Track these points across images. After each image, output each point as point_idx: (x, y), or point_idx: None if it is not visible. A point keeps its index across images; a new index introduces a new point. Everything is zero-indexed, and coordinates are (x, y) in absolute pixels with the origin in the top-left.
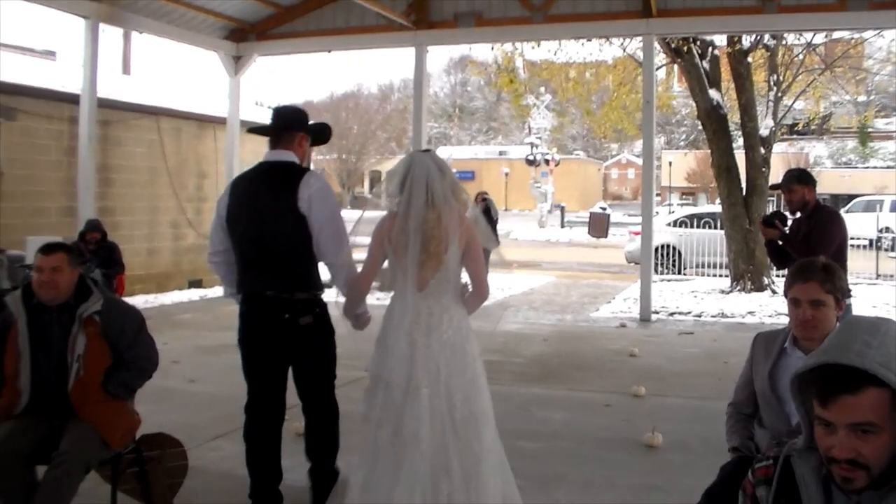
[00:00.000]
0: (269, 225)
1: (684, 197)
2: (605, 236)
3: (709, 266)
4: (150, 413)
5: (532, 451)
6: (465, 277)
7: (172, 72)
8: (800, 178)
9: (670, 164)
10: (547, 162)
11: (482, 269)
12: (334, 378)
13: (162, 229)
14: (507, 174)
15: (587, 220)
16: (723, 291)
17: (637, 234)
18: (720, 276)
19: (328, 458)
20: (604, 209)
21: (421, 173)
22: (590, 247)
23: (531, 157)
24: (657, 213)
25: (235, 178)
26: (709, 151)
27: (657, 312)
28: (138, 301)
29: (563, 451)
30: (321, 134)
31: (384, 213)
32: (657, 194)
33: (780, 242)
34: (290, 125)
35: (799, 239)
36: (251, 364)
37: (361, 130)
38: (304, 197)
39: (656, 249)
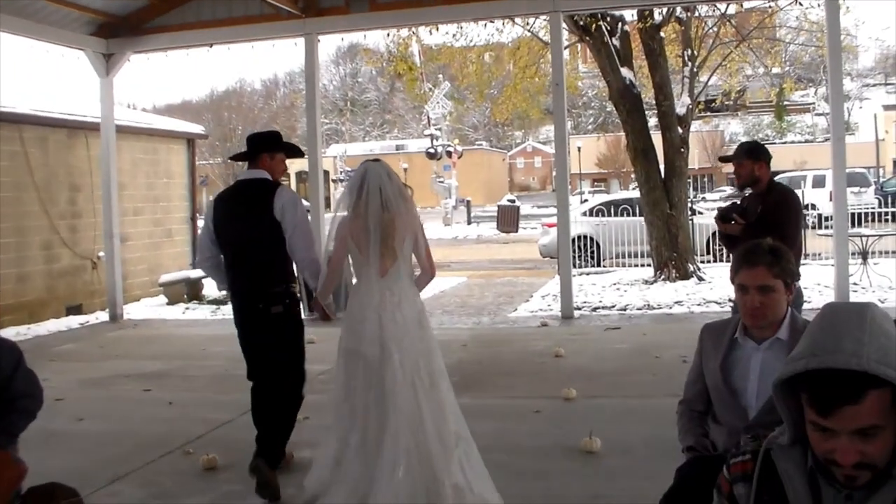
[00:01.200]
0: (249, 230)
1: (596, 184)
2: (516, 230)
3: (630, 256)
4: (37, 460)
5: None
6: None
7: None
8: (750, 151)
9: (579, 149)
10: (449, 154)
11: (429, 254)
12: (303, 357)
13: (32, 251)
14: (405, 170)
15: (495, 214)
16: (647, 282)
17: (551, 226)
18: (643, 265)
19: (282, 435)
20: (512, 201)
21: (375, 182)
22: (500, 242)
23: (432, 150)
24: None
25: (218, 194)
26: (621, 134)
27: (579, 308)
28: (9, 333)
29: (495, 463)
30: (291, 150)
31: (343, 214)
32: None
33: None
34: (257, 147)
35: (754, 221)
36: (243, 343)
37: (246, 131)
38: (278, 207)
39: (572, 241)
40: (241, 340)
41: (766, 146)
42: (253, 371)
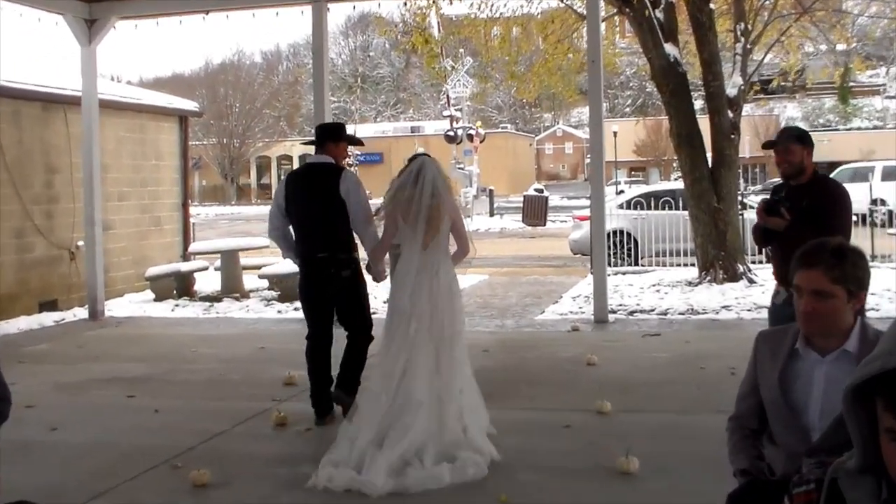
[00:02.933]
0: (319, 206)
1: (634, 173)
2: (544, 224)
3: (671, 254)
4: (5, 475)
5: (484, 486)
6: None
7: (6, 41)
8: (800, 137)
9: (615, 134)
10: (470, 138)
11: (465, 233)
12: (370, 311)
13: (2, 240)
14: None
15: (521, 205)
16: (690, 283)
17: (583, 219)
18: (686, 265)
19: (357, 370)
20: (540, 191)
21: (430, 175)
22: (526, 237)
23: (451, 133)
24: None
25: (289, 174)
26: (663, 118)
27: (614, 312)
28: None
29: (521, 484)
30: (353, 141)
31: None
32: None
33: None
34: (324, 138)
35: (798, 215)
36: (310, 306)
37: (244, 109)
38: (344, 188)
39: (607, 237)
40: (309, 303)
41: (829, 132)
42: (318, 330)
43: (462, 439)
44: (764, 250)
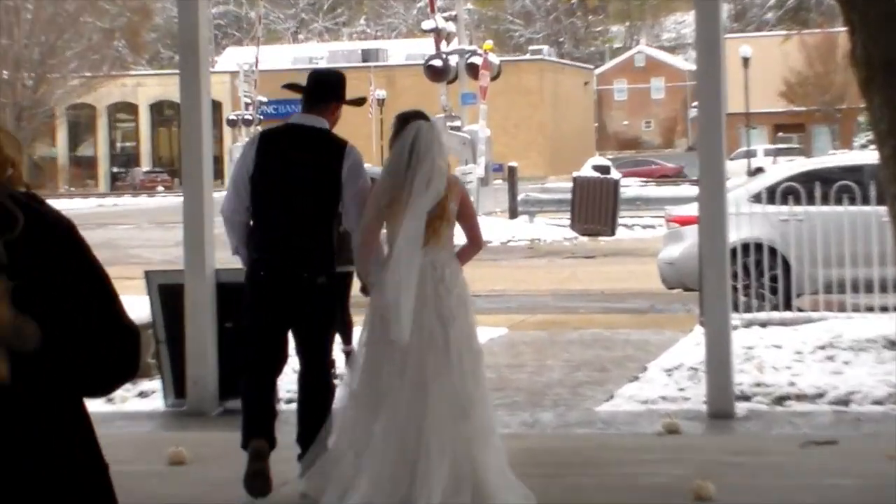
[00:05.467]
0: (304, 186)
1: (782, 135)
2: (611, 231)
3: (856, 288)
4: None
5: None
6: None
7: None
8: None
9: (746, 62)
10: (473, 71)
11: (476, 221)
12: (332, 339)
13: None
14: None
15: (569, 196)
16: (894, 344)
17: (684, 222)
18: (886, 308)
19: (322, 421)
20: (604, 170)
21: (426, 149)
22: (578, 256)
23: (437, 63)
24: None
25: (264, 133)
26: (837, 30)
27: (747, 398)
28: None
29: None
30: (355, 102)
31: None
32: None
33: None
34: (328, 95)
35: None
36: (262, 327)
37: (45, 20)
38: (346, 168)
39: (732, 254)
40: (260, 323)
41: None
42: (266, 359)
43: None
44: None
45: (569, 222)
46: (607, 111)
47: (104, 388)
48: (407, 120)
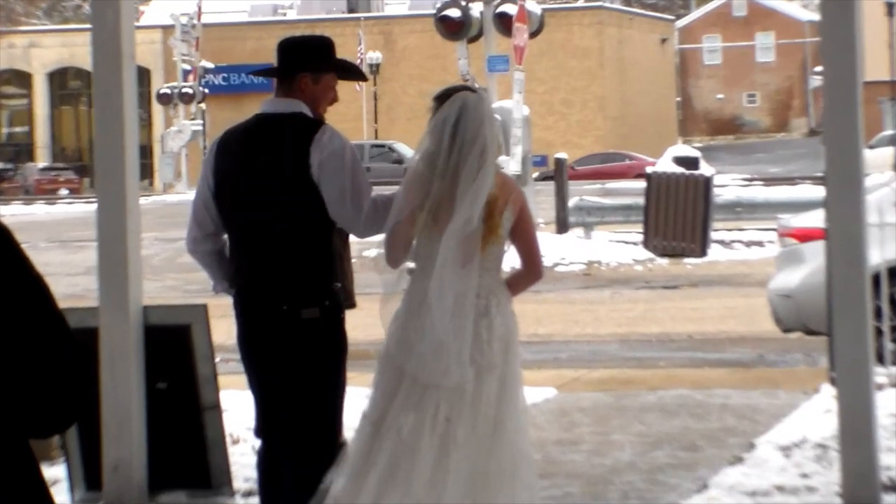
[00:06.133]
0: (270, 194)
1: None
2: (702, 249)
3: None
4: None
5: None
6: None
7: None
8: None
9: (890, 9)
10: (505, 23)
11: (536, 243)
12: (341, 400)
13: None
14: (374, 67)
15: (642, 199)
16: None
17: (805, 237)
18: None
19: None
20: (690, 163)
21: (473, 127)
22: (655, 286)
23: (454, 13)
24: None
25: (224, 132)
26: None
27: None
28: None
29: None
30: (347, 71)
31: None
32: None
33: None
34: (292, 63)
35: None
36: (250, 369)
37: None
38: (315, 162)
39: (873, 283)
40: (248, 370)
41: None
42: (267, 422)
43: None
44: None
45: (641, 238)
46: (694, 80)
47: (48, 426)
48: (448, 95)
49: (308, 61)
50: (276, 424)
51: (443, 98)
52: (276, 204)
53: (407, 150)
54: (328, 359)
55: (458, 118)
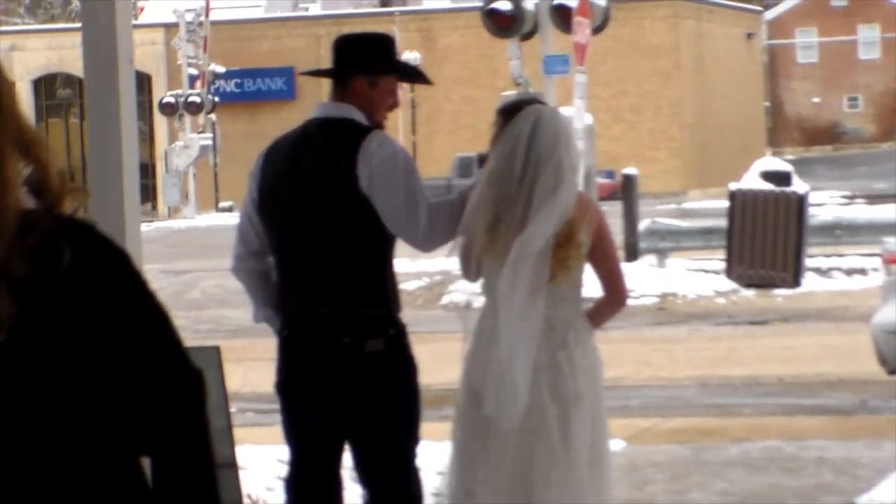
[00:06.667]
0: (319, 211)
1: None
2: (795, 279)
3: None
4: None
5: None
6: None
7: None
8: None
9: None
10: (564, 16)
11: (618, 268)
12: (416, 443)
13: None
14: (416, 69)
15: (724, 221)
16: None
17: None
18: None
19: None
20: (782, 179)
21: (549, 141)
22: (740, 321)
23: (505, 6)
24: None
25: (272, 141)
26: None
27: None
28: None
29: None
30: (407, 73)
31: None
32: None
33: None
34: (346, 64)
35: None
36: (295, 416)
37: None
38: (364, 173)
39: None
40: (294, 412)
41: None
42: (309, 476)
43: None
44: None
45: (723, 266)
46: (786, 81)
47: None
48: (517, 108)
49: (364, 62)
50: (321, 481)
51: (511, 111)
52: (326, 218)
53: None
54: (398, 400)
55: (532, 134)
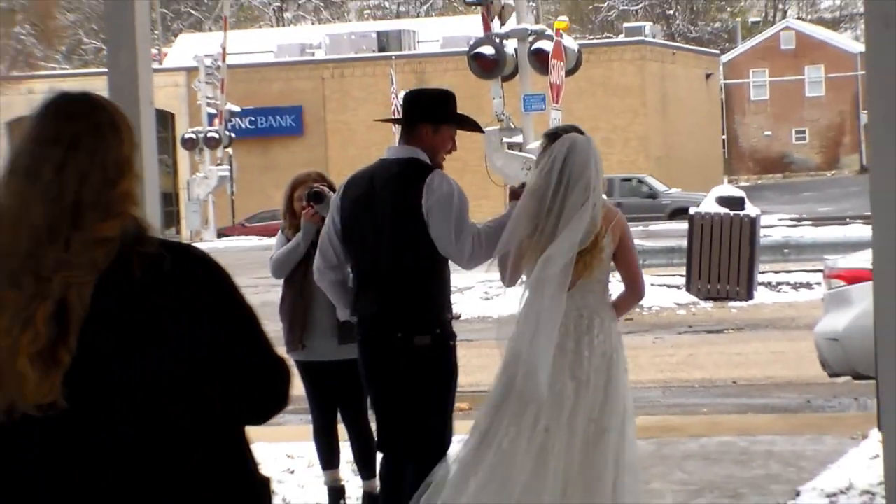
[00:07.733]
0: (386, 234)
1: None
2: (748, 293)
3: None
4: None
5: None
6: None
7: None
8: None
9: None
10: (542, 60)
11: (637, 265)
12: (448, 422)
13: None
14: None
15: (684, 240)
16: None
17: (853, 279)
18: None
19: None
20: (735, 203)
21: (579, 168)
22: (699, 330)
23: (488, 51)
24: None
25: (351, 175)
26: None
27: None
28: None
29: None
30: (465, 123)
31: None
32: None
33: None
34: (414, 114)
35: None
36: (371, 396)
37: None
38: (425, 203)
39: None
40: (369, 392)
41: None
42: (385, 437)
43: None
44: None
45: (683, 281)
46: (740, 117)
47: (258, 419)
48: (557, 135)
49: (429, 113)
50: (392, 440)
51: (552, 136)
52: (392, 240)
53: (657, 184)
54: (436, 383)
55: (567, 157)
